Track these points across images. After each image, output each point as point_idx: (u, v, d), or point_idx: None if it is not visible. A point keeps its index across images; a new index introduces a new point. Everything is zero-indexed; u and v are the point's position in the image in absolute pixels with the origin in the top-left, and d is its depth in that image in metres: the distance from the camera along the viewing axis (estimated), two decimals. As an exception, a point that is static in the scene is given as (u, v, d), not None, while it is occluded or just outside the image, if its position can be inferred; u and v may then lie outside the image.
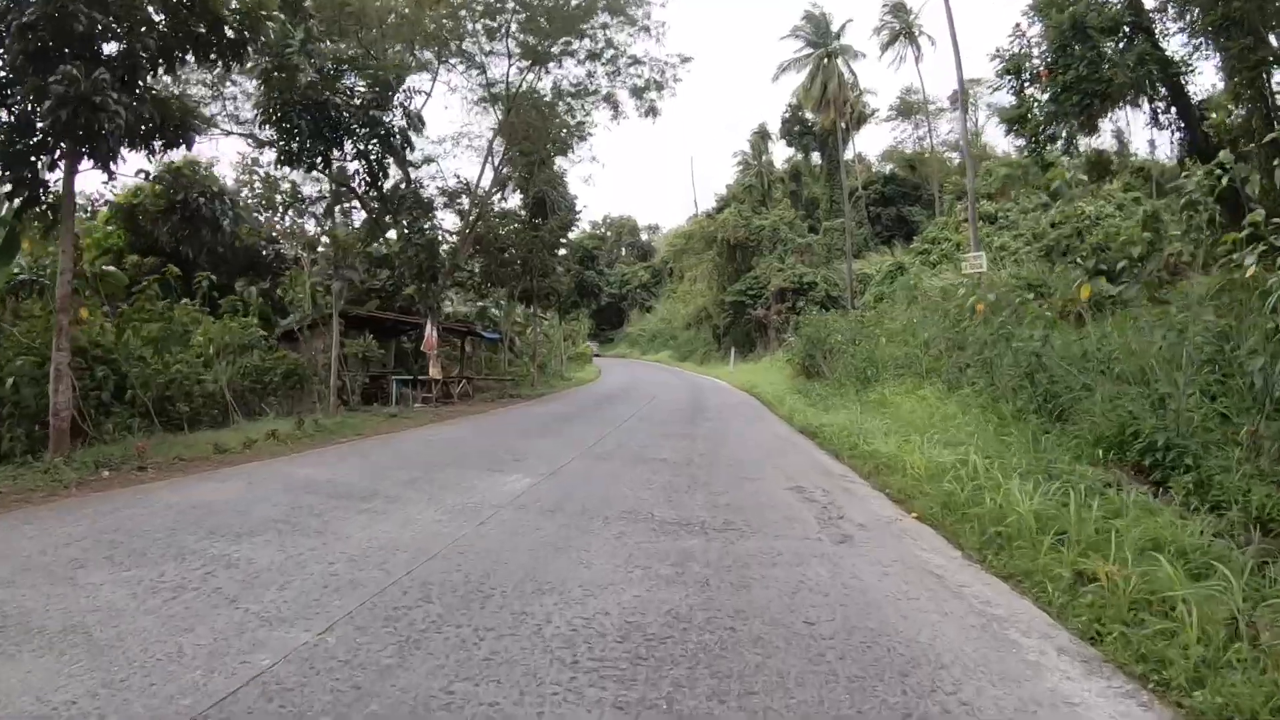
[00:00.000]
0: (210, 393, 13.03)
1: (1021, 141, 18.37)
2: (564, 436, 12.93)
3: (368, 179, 17.84)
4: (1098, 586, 4.22)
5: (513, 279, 27.52)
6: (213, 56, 9.63)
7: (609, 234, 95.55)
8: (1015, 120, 17.14)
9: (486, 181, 25.11)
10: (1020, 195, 40.84)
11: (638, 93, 24.42)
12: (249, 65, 13.19)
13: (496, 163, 25.12)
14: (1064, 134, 17.36)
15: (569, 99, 24.80)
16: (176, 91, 14.64)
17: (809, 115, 65.42)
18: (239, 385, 14.06)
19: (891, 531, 6.16)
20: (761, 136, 69.58)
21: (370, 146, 17.38)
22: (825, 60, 48.40)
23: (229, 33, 9.49)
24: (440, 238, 22.86)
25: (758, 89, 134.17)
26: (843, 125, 46.96)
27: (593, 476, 8.52)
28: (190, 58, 9.68)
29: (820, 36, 50.40)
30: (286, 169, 17.19)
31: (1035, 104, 17.18)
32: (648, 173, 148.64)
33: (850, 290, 42.25)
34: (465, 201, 24.22)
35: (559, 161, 27.69)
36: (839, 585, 4.64)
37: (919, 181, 63.53)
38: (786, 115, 67.87)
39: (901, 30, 50.76)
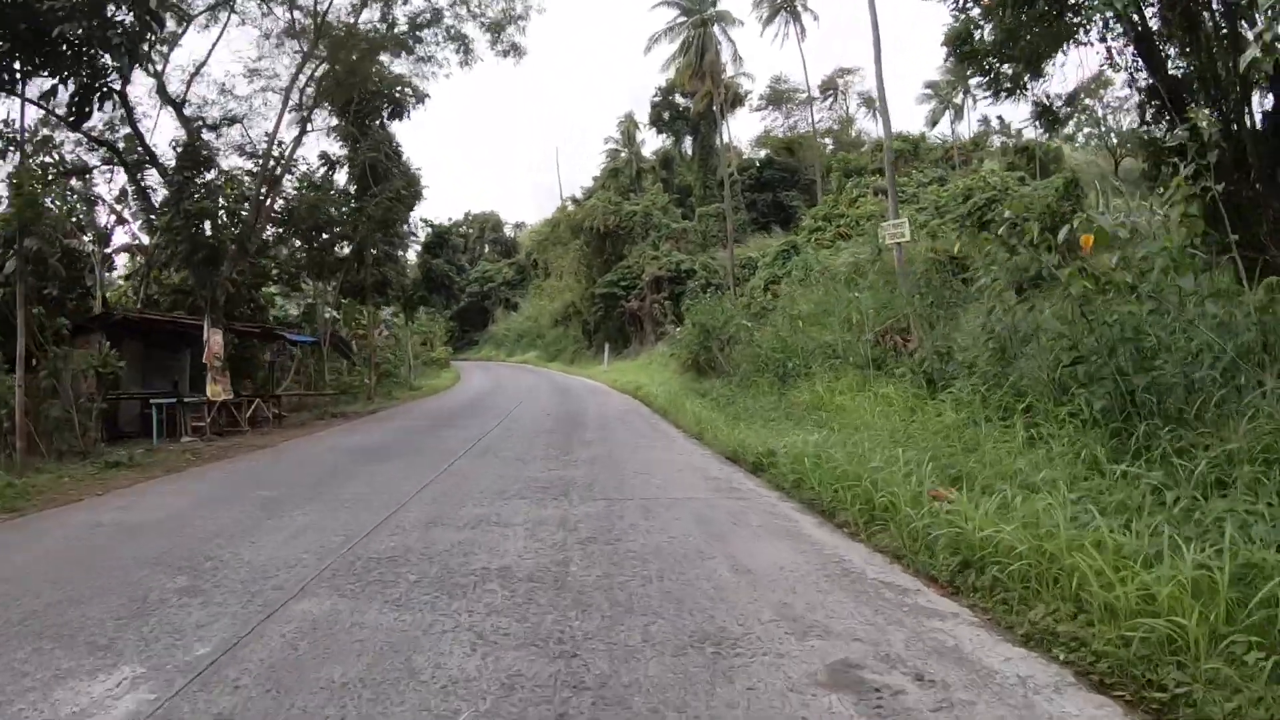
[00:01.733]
0: None
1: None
2: (338, 505, 7.35)
3: (75, 106, 12.20)
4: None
5: (338, 267, 22.06)
6: None
7: (470, 230, 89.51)
8: (957, 42, 13.56)
9: (289, 135, 19.54)
10: (915, 170, 38.85)
11: (495, 28, 19.53)
12: None
13: (305, 113, 19.59)
14: (1014, 70, 13.95)
15: (404, 33, 19.60)
16: None
17: (680, 100, 62.39)
18: None
19: None
20: (632, 123, 65.99)
21: (86, 54, 11.80)
22: (702, 27, 44.69)
23: None
24: (235, 209, 17.21)
25: (626, 78, 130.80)
26: (720, 99, 43.39)
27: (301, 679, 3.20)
28: None
29: (695, 2, 46.75)
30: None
31: (977, 27, 13.66)
32: (512, 169, 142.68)
33: (732, 276, 38.87)
34: (269, 165, 18.51)
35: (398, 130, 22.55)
36: None
37: (797, 165, 61.70)
38: (657, 99, 64.38)
39: (782, 3, 47.85)
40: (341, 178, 22.66)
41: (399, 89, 22.64)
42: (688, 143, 64.48)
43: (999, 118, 66.00)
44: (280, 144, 18.58)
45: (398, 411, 19.01)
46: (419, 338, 39.78)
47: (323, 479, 9.22)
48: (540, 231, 54.35)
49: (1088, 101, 58.46)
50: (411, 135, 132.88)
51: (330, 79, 19.25)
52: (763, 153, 65.23)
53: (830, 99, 68.42)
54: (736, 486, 7.96)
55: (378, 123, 23.02)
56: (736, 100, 61.75)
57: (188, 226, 15.52)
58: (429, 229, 27.97)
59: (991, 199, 26.00)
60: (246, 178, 18.35)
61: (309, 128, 19.83)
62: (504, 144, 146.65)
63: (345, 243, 19.77)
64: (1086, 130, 55.48)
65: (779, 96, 68.83)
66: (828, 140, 64.36)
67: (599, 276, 45.86)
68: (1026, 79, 14.37)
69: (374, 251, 21.17)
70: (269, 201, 17.88)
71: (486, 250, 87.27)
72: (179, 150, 16.72)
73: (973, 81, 15.56)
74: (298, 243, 18.96)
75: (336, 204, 20.42)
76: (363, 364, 24.45)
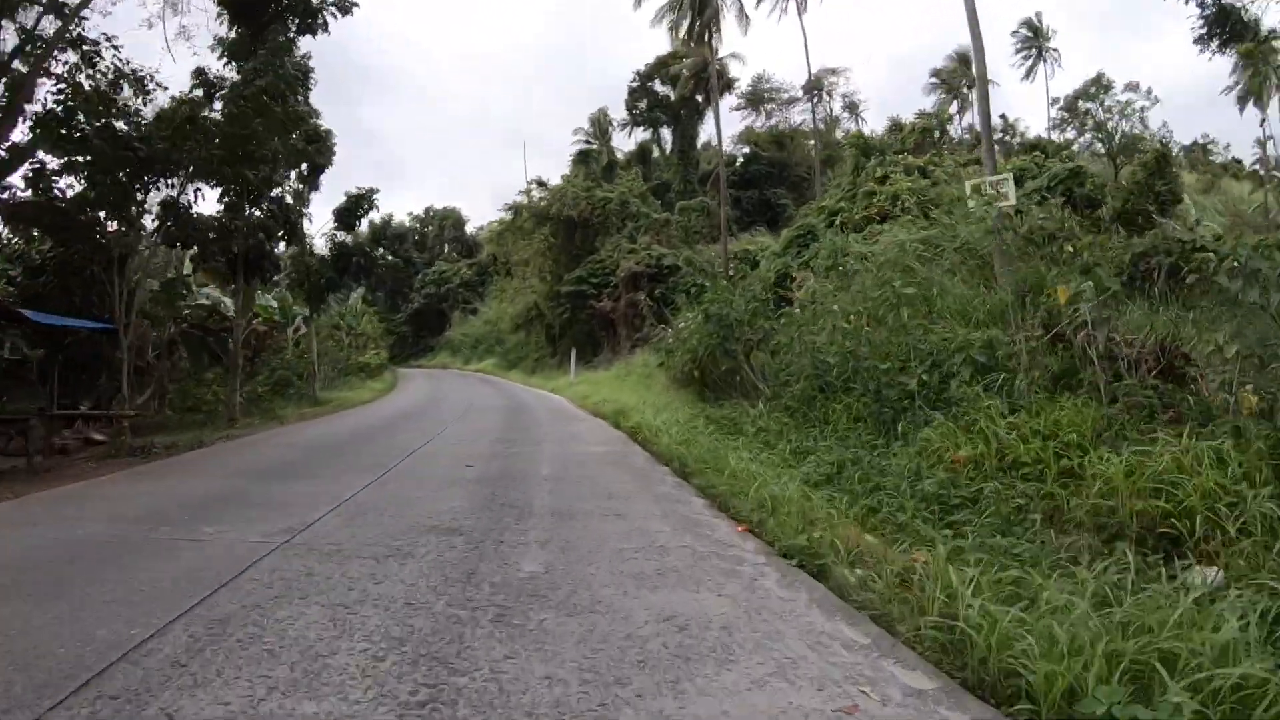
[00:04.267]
0: None
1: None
2: None
3: None
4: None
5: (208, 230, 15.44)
6: None
7: (429, 228, 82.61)
8: None
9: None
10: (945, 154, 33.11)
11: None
12: None
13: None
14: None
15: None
16: None
17: (660, 88, 56.67)
18: None
19: None
20: (605, 116, 60.26)
21: None
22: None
23: None
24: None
25: (599, 83, 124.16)
26: (714, 64, 37.39)
27: None
28: None
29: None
30: None
31: None
32: (475, 170, 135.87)
33: (727, 272, 32.75)
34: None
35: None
36: None
37: (785, 161, 56.30)
38: (635, 84, 58.51)
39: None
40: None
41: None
42: (666, 136, 59.17)
43: (1001, 115, 61.63)
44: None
45: (255, 443, 12.40)
46: (345, 336, 33.02)
47: None
48: (501, 223, 47.47)
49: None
50: (373, 127, 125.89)
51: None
52: (746, 149, 59.53)
53: (815, 99, 63.29)
54: None
55: (282, 38, 16.58)
56: (727, 85, 56.19)
57: None
58: (350, 201, 21.09)
59: (1074, 171, 20.18)
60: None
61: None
62: (469, 144, 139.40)
63: (170, 175, 13.08)
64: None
65: (759, 97, 63.49)
66: (811, 142, 59.18)
67: (566, 273, 39.47)
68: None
69: (230, 196, 14.60)
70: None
71: (446, 250, 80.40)
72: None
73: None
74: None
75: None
76: (225, 369, 17.71)
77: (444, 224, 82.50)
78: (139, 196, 12.88)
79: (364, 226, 66.32)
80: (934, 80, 62.54)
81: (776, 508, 5.92)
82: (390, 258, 66.91)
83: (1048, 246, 12.40)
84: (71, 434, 12.94)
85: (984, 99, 15.13)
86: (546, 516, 6.33)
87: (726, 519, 6.45)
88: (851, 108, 64.98)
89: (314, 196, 21.21)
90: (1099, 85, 57.16)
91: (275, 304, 26.37)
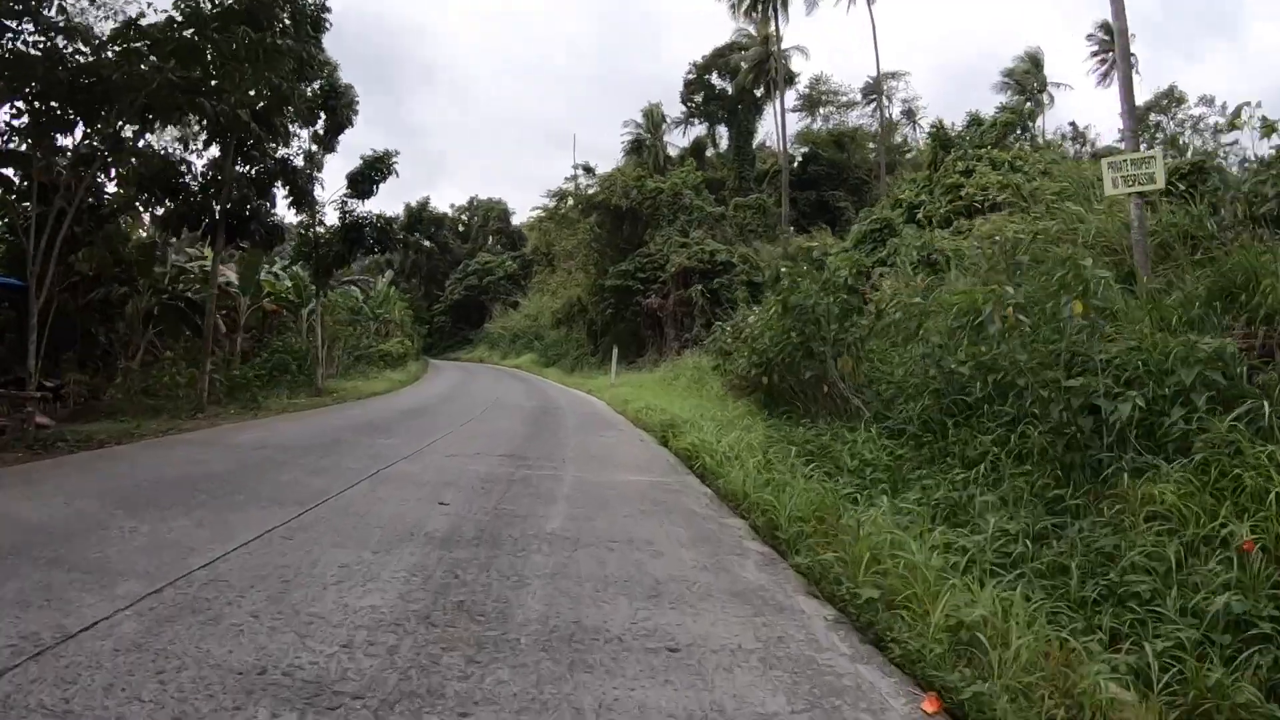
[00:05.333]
0: None
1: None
2: None
3: None
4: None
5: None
6: None
7: (474, 218, 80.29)
8: None
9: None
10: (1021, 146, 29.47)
11: None
12: None
13: None
14: None
15: None
16: None
17: (716, 81, 53.68)
18: None
19: None
20: (658, 111, 57.36)
21: None
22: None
23: None
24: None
25: (654, 81, 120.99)
26: (778, 43, 34.22)
27: None
28: None
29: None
30: None
31: None
32: (521, 165, 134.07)
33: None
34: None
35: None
36: None
37: (845, 163, 52.99)
38: (690, 76, 55.48)
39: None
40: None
41: None
42: (721, 133, 56.06)
43: (1071, 123, 57.69)
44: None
45: (189, 442, 9.57)
46: (371, 323, 30.40)
47: None
48: (546, 210, 44.48)
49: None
50: (418, 122, 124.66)
51: None
52: (804, 149, 56.30)
53: (877, 99, 60.08)
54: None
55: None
56: (789, 78, 53.01)
57: None
58: (366, 165, 18.32)
59: (1198, 165, 16.59)
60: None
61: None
62: (515, 145, 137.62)
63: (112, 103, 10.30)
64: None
65: (816, 99, 60.15)
66: (871, 144, 56.12)
67: (611, 266, 36.50)
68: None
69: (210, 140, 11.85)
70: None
71: (490, 241, 77.90)
72: None
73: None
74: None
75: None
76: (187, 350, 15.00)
77: (489, 215, 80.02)
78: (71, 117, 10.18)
79: (400, 210, 64.71)
80: (1005, 80, 58.55)
81: (987, 645, 2.81)
82: (427, 242, 64.51)
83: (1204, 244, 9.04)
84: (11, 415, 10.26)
85: (1125, 59, 11.66)
86: (530, 653, 3.23)
87: (884, 669, 3.31)
88: (909, 114, 61.64)
89: (335, 165, 18.37)
90: (1171, 98, 53.06)
91: (289, 282, 23.82)
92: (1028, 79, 56.45)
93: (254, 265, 19.42)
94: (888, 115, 60.13)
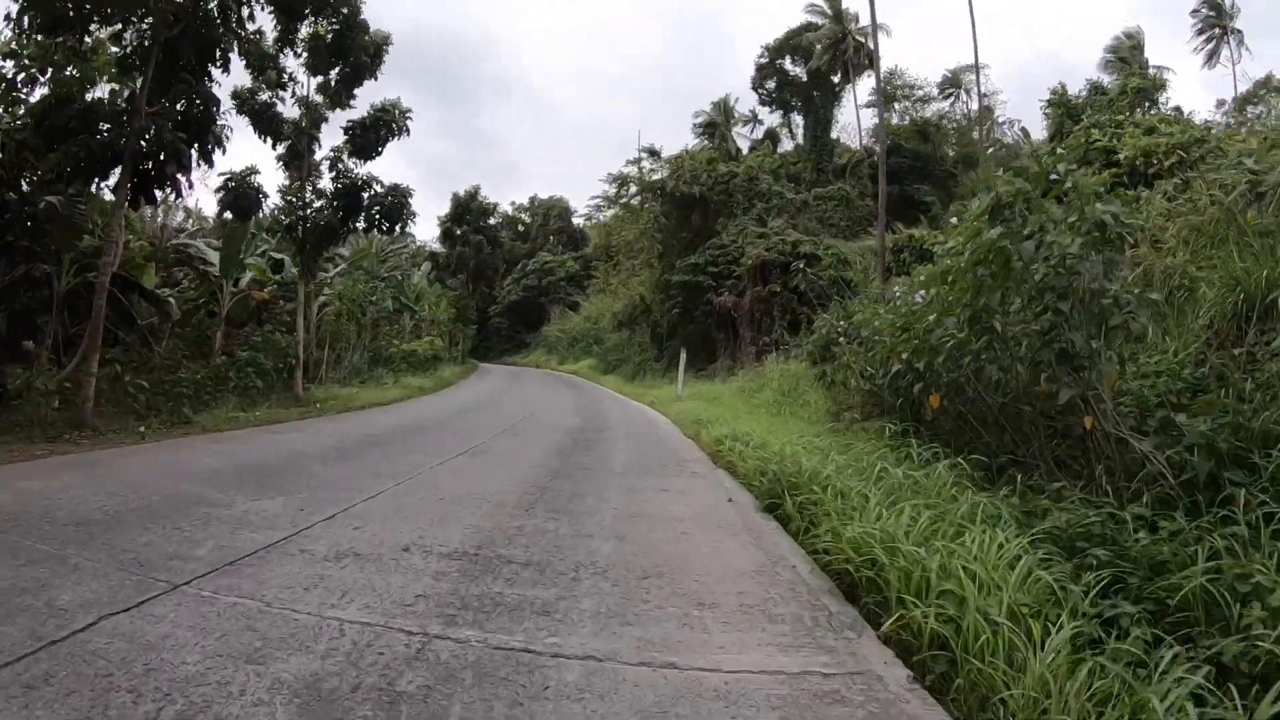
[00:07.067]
0: None
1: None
2: None
3: None
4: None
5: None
6: None
7: (535, 217, 76.85)
8: None
9: None
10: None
11: None
12: None
13: None
14: None
15: None
16: None
17: (790, 67, 49.08)
18: None
19: None
20: (728, 104, 53.33)
21: None
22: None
23: None
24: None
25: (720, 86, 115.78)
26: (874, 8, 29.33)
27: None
28: None
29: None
30: None
31: None
32: (587, 172, 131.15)
33: (883, 267, 24.78)
34: None
35: None
36: None
37: (930, 155, 47.78)
38: (763, 60, 50.93)
39: None
40: None
41: None
42: (796, 121, 51.46)
43: (1175, 108, 51.57)
44: None
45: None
46: (399, 319, 26.51)
47: None
48: (605, 196, 40.02)
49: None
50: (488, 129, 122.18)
51: None
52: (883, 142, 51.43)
53: (952, 96, 55.05)
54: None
55: None
56: (869, 57, 48.06)
57: None
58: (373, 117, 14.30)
59: None
60: None
61: None
62: (583, 151, 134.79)
63: None
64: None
65: (892, 94, 55.10)
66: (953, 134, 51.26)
67: (679, 260, 32.06)
68: None
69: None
70: None
71: (550, 241, 74.28)
72: None
73: None
74: None
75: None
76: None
77: (549, 213, 76.53)
78: None
79: (447, 205, 61.56)
80: (1108, 57, 52.38)
81: None
82: (475, 235, 60.87)
83: None
84: None
85: None
86: None
87: None
88: (988, 111, 56.32)
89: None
90: (1268, 87, 46.33)
91: (295, 269, 19.97)
92: (1135, 55, 50.45)
93: (237, 242, 15.57)
94: (966, 110, 55.10)
